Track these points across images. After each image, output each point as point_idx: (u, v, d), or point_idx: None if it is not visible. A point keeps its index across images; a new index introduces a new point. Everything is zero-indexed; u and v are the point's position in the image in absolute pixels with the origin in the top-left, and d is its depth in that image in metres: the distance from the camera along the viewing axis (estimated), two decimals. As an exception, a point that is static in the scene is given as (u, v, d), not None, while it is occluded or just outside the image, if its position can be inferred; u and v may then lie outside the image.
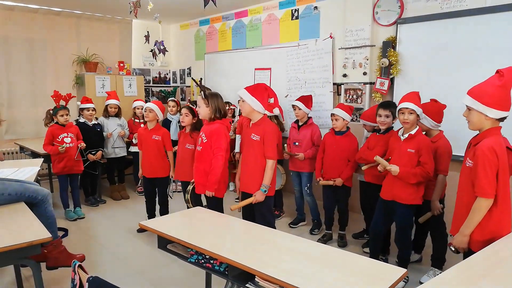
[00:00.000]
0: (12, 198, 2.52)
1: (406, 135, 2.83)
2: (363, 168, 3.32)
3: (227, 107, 4.83)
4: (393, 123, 3.32)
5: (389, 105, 3.28)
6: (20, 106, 5.84)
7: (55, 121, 4.37)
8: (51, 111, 4.42)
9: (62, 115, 4.30)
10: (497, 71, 2.00)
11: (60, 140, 4.27)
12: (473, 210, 2.01)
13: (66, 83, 6.13)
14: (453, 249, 2.13)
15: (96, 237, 3.93)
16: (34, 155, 4.75)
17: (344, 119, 3.58)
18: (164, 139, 3.99)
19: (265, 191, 2.88)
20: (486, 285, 1.54)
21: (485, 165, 1.94)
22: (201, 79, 6.13)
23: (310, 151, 3.93)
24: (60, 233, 3.91)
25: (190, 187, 3.37)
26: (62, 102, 4.35)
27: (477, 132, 2.10)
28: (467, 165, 2.08)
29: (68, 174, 4.41)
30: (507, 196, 2.02)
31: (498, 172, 1.95)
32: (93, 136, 4.83)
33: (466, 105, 2.06)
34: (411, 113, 2.76)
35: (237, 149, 4.55)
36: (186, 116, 3.68)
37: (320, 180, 3.71)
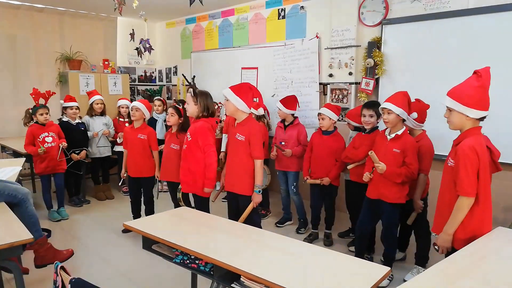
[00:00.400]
0: None
1: (392, 135, 2.86)
2: (349, 167, 3.35)
3: (216, 107, 4.80)
4: (377, 122, 3.35)
5: (373, 105, 3.31)
6: (1, 104, 5.72)
7: (35, 121, 4.27)
8: (30, 110, 4.33)
9: (41, 114, 4.20)
10: (475, 72, 2.04)
11: (41, 140, 4.18)
12: (455, 209, 2.04)
13: (49, 81, 6.01)
14: (437, 248, 2.17)
15: (80, 238, 3.87)
16: (16, 154, 4.65)
17: (330, 119, 3.60)
18: (149, 138, 3.95)
19: (259, 191, 2.90)
20: (468, 282, 1.57)
21: (466, 165, 1.98)
22: (194, 76, 6.08)
23: (298, 148, 3.94)
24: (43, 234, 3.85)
25: (179, 191, 3.37)
26: (42, 101, 4.26)
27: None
28: (449, 164, 2.12)
29: (51, 173, 4.32)
30: (487, 194, 2.06)
31: (479, 171, 1.99)
32: (77, 135, 4.75)
33: (447, 106, 2.10)
34: (389, 113, 2.79)
35: (223, 149, 4.55)
36: (172, 116, 3.66)
37: (307, 179, 3.73)
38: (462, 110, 2.02)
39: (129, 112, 5.13)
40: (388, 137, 2.89)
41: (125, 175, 4.10)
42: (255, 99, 4.13)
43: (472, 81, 2.04)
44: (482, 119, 2.06)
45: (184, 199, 3.56)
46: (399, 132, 2.83)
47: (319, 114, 3.66)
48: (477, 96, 2.00)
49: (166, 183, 4.11)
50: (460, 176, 2.00)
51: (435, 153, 3.04)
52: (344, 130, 3.93)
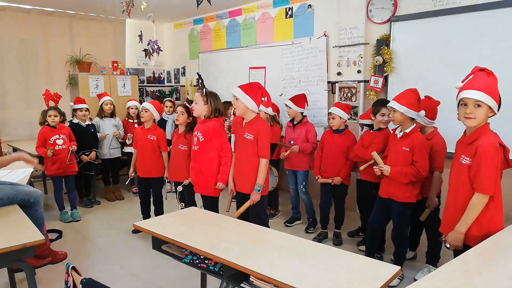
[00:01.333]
0: (4, 202, 2.51)
1: (401, 133, 2.83)
2: (361, 168, 3.31)
3: (229, 107, 4.79)
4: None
5: (386, 103, 3.28)
6: (12, 107, 5.80)
7: (46, 123, 4.32)
8: (44, 112, 4.39)
9: (50, 116, 4.25)
10: (483, 69, 2.00)
11: (52, 142, 4.22)
12: (470, 207, 2.00)
13: (60, 84, 6.09)
14: (448, 245, 2.13)
15: (91, 239, 3.91)
16: (28, 156, 4.71)
17: (341, 118, 3.58)
18: (159, 139, 3.97)
19: (259, 190, 2.88)
20: (480, 281, 1.54)
21: (488, 162, 1.94)
22: (200, 75, 6.10)
23: (305, 144, 3.93)
24: (54, 235, 3.90)
25: (180, 188, 3.38)
26: (52, 103, 4.30)
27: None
28: (464, 162, 2.05)
29: (63, 175, 4.37)
30: (500, 191, 2.04)
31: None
32: (87, 137, 4.80)
33: (478, 101, 1.95)
34: (394, 111, 2.77)
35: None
36: (182, 114, 3.65)
37: (318, 178, 3.71)
38: (493, 105, 1.96)
39: (138, 113, 5.19)
40: (398, 136, 2.86)
41: (133, 174, 4.13)
42: (264, 99, 4.13)
43: (488, 77, 1.98)
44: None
45: (190, 199, 3.57)
46: (407, 130, 2.80)
47: (330, 113, 3.65)
48: (498, 93, 1.97)
49: (174, 183, 4.14)
50: (481, 174, 1.95)
51: (446, 150, 2.99)
52: (355, 129, 3.91)
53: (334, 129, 3.64)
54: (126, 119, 5.39)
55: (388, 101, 3.38)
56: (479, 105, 1.96)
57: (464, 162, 2.05)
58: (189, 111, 3.67)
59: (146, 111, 3.90)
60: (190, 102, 3.86)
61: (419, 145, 2.77)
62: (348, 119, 3.74)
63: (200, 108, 3.13)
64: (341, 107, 3.60)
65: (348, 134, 3.66)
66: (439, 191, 3.05)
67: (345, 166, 3.61)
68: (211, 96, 3.12)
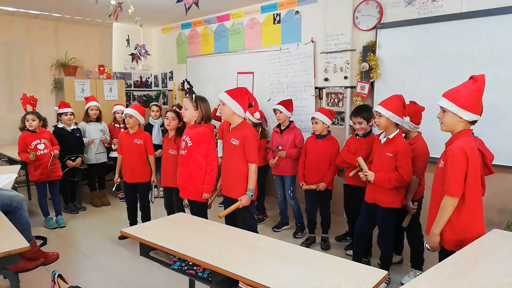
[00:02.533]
0: None
1: (385, 139, 2.88)
2: (350, 174, 3.32)
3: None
4: (370, 126, 3.39)
5: (359, 112, 3.36)
6: (-4, 111, 5.69)
7: (26, 128, 4.21)
8: (23, 117, 4.29)
9: (28, 120, 4.15)
10: (471, 77, 2.07)
11: (33, 147, 4.13)
12: (440, 209, 2.09)
13: (45, 88, 6.00)
14: (428, 247, 2.20)
15: (77, 245, 3.85)
16: (11, 161, 4.63)
17: (323, 123, 3.62)
18: (146, 142, 3.94)
19: (252, 195, 2.89)
20: (465, 284, 1.58)
21: (453, 165, 2.02)
22: (188, 81, 6.08)
23: (293, 150, 3.95)
24: (39, 242, 3.83)
25: (186, 204, 3.38)
26: (30, 107, 4.22)
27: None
28: (440, 166, 2.16)
29: (46, 181, 4.29)
30: (476, 195, 2.09)
31: (467, 172, 2.02)
32: (72, 141, 4.74)
33: (441, 107, 2.13)
34: (380, 116, 2.81)
35: (219, 154, 4.54)
36: (173, 120, 3.64)
37: (303, 184, 3.73)
38: (456, 111, 2.06)
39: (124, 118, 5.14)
40: (382, 141, 2.90)
41: (118, 180, 4.09)
42: (250, 104, 4.14)
43: (468, 84, 2.07)
44: (473, 123, 2.10)
45: (179, 204, 3.55)
46: (391, 136, 2.84)
47: (313, 118, 3.68)
48: (472, 99, 2.04)
49: (162, 188, 4.11)
50: (446, 176, 2.04)
51: (430, 155, 3.05)
52: (339, 135, 3.94)
53: (317, 134, 3.68)
54: (113, 123, 5.34)
55: (366, 108, 3.45)
56: (444, 111, 2.12)
57: (440, 166, 2.15)
58: (179, 116, 3.66)
59: (130, 117, 3.86)
60: (181, 107, 3.85)
61: (402, 151, 2.81)
62: (334, 124, 3.78)
63: (190, 114, 3.11)
64: (324, 112, 3.64)
65: (331, 139, 3.70)
66: (419, 195, 3.10)
67: (329, 171, 3.64)
68: (200, 101, 3.11)
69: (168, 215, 3.58)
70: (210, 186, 3.08)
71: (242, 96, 2.90)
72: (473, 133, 2.32)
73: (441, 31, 3.76)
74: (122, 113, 5.25)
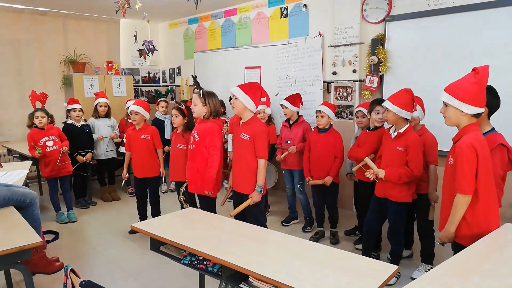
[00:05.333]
0: (0, 203, 2.49)
1: (395, 133, 2.85)
2: (354, 169, 3.33)
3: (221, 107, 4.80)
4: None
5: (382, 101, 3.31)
6: (7, 108, 5.76)
7: (34, 125, 4.24)
8: (31, 114, 4.33)
9: (37, 117, 4.18)
10: (473, 69, 2.04)
11: (42, 144, 4.17)
12: (453, 207, 2.06)
13: (54, 84, 6.06)
14: (439, 242, 2.18)
15: (88, 240, 3.90)
16: (23, 157, 4.69)
17: (329, 117, 3.60)
18: (153, 136, 3.97)
19: (260, 191, 2.89)
20: (476, 279, 1.56)
21: (463, 163, 1.98)
22: (195, 76, 6.10)
23: (302, 144, 3.94)
24: (51, 237, 3.88)
25: (183, 188, 3.37)
26: (39, 104, 4.25)
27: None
28: (449, 163, 2.12)
29: (58, 177, 4.34)
30: (490, 191, 2.05)
31: (478, 167, 1.98)
32: (82, 137, 4.78)
33: (443, 101, 2.11)
34: (388, 110, 2.80)
35: (230, 148, 4.55)
36: (176, 117, 3.68)
37: (309, 179, 3.73)
38: (457, 105, 2.03)
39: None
40: (392, 136, 2.88)
41: (126, 176, 4.12)
42: (262, 99, 4.14)
43: (469, 77, 2.04)
44: (477, 115, 2.06)
45: (190, 199, 3.56)
46: (401, 130, 2.82)
47: (319, 111, 3.65)
48: (472, 92, 2.00)
49: (174, 183, 4.13)
50: (457, 174, 2.01)
51: (438, 149, 3.03)
52: (346, 128, 3.91)
53: (320, 128, 3.66)
54: (125, 118, 5.34)
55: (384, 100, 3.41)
56: (446, 106, 2.10)
57: (450, 163, 2.12)
58: (183, 112, 3.68)
59: (136, 114, 3.88)
60: (181, 103, 3.85)
61: (413, 145, 2.79)
62: (342, 118, 3.76)
63: (199, 110, 3.13)
64: (329, 106, 3.63)
65: (334, 132, 3.68)
66: (436, 185, 3.06)
67: (334, 164, 3.63)
68: (209, 96, 3.12)
69: (181, 208, 3.60)
70: (210, 183, 3.04)
71: (255, 91, 2.89)
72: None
73: (451, 23, 3.70)
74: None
